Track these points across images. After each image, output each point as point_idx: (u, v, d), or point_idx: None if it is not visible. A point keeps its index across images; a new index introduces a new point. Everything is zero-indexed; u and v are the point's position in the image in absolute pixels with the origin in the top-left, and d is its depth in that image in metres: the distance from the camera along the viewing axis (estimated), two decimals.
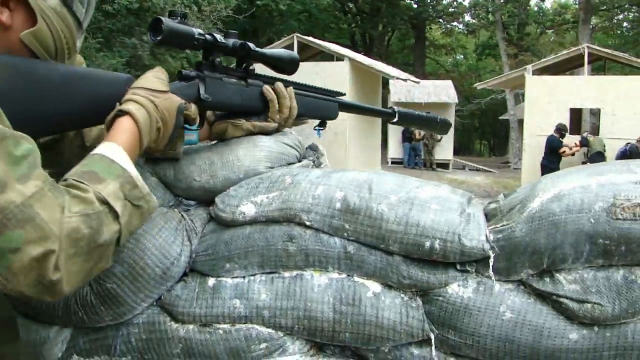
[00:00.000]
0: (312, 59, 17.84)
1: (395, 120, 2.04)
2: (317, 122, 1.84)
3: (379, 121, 16.57)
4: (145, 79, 1.32)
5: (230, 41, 1.52)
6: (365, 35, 36.59)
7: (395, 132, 22.77)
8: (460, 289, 1.35)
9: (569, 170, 1.46)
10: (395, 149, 23.36)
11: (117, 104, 1.26)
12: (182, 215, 1.54)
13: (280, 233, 1.44)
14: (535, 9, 35.30)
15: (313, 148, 1.80)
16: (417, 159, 22.49)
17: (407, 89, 22.19)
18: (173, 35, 1.36)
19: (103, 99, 1.28)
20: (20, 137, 0.99)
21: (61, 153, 1.48)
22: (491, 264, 1.34)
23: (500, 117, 30.52)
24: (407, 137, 22.38)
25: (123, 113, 1.24)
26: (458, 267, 1.36)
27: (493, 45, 35.85)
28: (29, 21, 1.16)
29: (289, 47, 15.13)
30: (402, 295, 1.40)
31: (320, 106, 1.80)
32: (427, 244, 1.35)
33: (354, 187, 1.44)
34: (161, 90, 1.31)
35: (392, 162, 23.21)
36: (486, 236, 1.35)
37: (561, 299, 1.28)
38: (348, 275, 1.42)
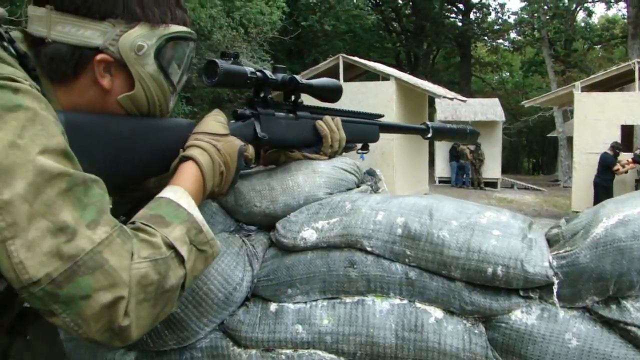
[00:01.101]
0: (357, 78, 17.92)
1: (429, 135, 2.11)
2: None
3: (426, 141, 16.51)
4: (206, 124, 1.35)
5: (280, 76, 1.56)
6: (410, 54, 36.62)
7: (442, 151, 22.65)
8: (523, 316, 1.34)
9: (632, 194, 1.44)
10: (442, 168, 23.21)
11: (181, 150, 1.29)
12: (243, 241, 1.56)
13: (341, 259, 1.45)
14: (582, 24, 34.81)
15: (371, 173, 1.81)
16: (465, 177, 22.30)
17: (453, 107, 22.06)
18: (228, 76, 1.39)
19: (169, 147, 1.31)
20: (92, 182, 1.01)
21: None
22: (555, 290, 1.32)
23: (549, 135, 30.12)
24: (454, 155, 22.22)
25: (187, 159, 1.27)
26: (521, 293, 1.35)
27: (539, 62, 35.44)
28: (127, 85, 1.21)
29: (335, 67, 15.21)
30: (465, 321, 1.39)
31: (363, 131, 1.83)
32: (490, 270, 1.35)
33: (415, 213, 1.44)
34: (222, 133, 1.34)
35: (440, 181, 23.05)
36: (549, 262, 1.34)
37: (629, 327, 1.26)
38: (410, 301, 1.42)
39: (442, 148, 22.34)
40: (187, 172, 1.25)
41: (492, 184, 22.34)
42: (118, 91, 1.21)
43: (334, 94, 1.68)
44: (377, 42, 34.97)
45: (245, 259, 1.52)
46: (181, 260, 1.07)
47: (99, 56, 1.16)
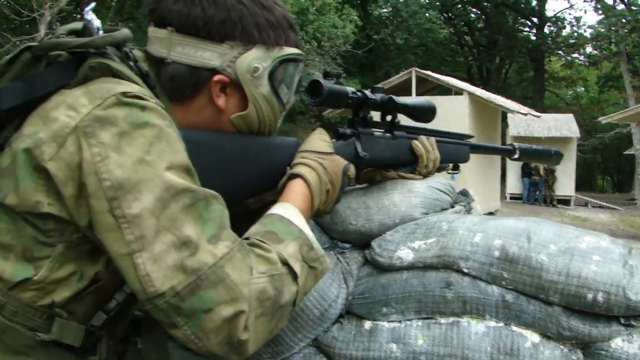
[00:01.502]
0: (429, 92, 17.83)
1: (516, 156, 2.11)
2: None
3: (497, 156, 16.25)
4: (311, 142, 1.38)
5: (378, 96, 1.57)
6: (482, 68, 36.21)
7: (513, 167, 22.25)
8: (624, 344, 1.31)
9: None
10: (514, 184, 22.80)
11: (288, 167, 1.32)
12: (337, 258, 1.58)
13: (437, 279, 1.45)
14: None
15: (464, 193, 1.81)
16: (537, 194, 21.85)
17: (526, 122, 21.66)
18: (331, 96, 1.42)
19: (277, 165, 1.33)
20: (212, 197, 1.04)
21: None
22: None
23: (625, 152, 29.25)
24: (526, 172, 21.83)
25: (295, 176, 1.29)
26: (622, 321, 1.33)
27: (616, 76, 34.47)
28: (240, 105, 1.25)
29: (407, 81, 15.18)
30: (562, 347, 1.37)
31: (455, 151, 1.84)
32: (590, 296, 1.33)
33: (513, 236, 1.44)
34: (328, 152, 1.36)
35: (511, 197, 22.66)
36: None
37: None
38: (506, 324, 1.41)
39: (514, 164, 21.94)
40: (296, 190, 1.27)
41: (565, 202, 21.82)
42: (232, 111, 1.25)
43: (429, 114, 1.69)
44: (448, 55, 34.75)
45: (340, 277, 1.54)
46: (294, 276, 1.09)
47: (217, 77, 1.20)
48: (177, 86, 1.20)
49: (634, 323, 1.32)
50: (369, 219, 1.58)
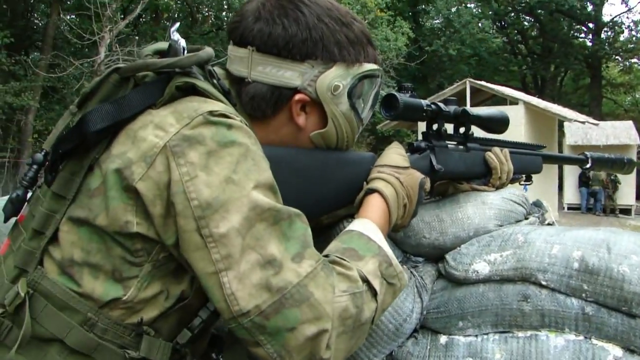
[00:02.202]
0: (484, 103, 17.65)
1: (589, 165, 2.09)
2: None
3: (555, 165, 15.94)
4: (388, 157, 1.38)
5: (452, 108, 1.57)
6: (536, 76, 35.66)
7: (571, 176, 21.78)
8: None
9: None
10: (571, 194, 22.32)
11: (365, 182, 1.32)
12: (411, 272, 1.57)
13: (514, 292, 1.43)
14: None
15: (537, 204, 1.78)
16: (597, 204, 21.34)
17: (583, 131, 21.22)
18: (407, 110, 1.42)
19: (353, 180, 1.34)
20: (295, 216, 1.05)
21: None
22: None
23: None
24: (583, 181, 21.38)
25: (372, 191, 1.29)
26: None
27: None
28: (319, 123, 1.27)
29: (462, 91, 15.06)
30: None
31: (528, 162, 1.82)
32: None
33: (592, 247, 1.41)
34: (404, 166, 1.36)
35: (569, 208, 22.19)
36: None
37: None
38: (586, 338, 1.38)
39: (572, 173, 21.51)
40: (374, 205, 1.27)
41: (625, 211, 21.23)
42: (311, 129, 1.27)
43: (502, 125, 1.68)
44: (502, 65, 34.34)
45: (414, 291, 1.53)
46: (374, 293, 1.09)
47: (298, 96, 1.22)
48: (258, 105, 1.21)
49: None
50: (442, 232, 1.57)
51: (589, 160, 2.07)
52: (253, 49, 1.20)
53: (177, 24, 1.22)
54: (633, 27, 34.36)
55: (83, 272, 1.04)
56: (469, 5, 28.23)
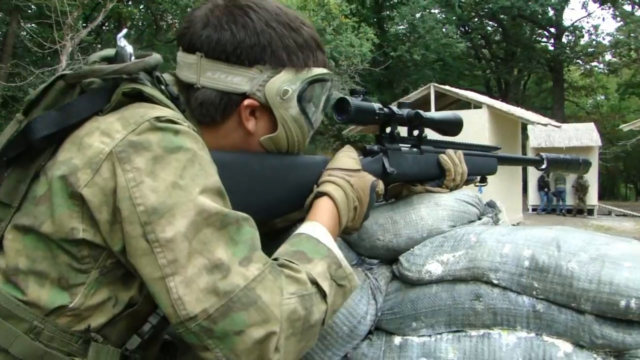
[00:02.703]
0: (448, 107, 17.80)
1: (544, 166, 2.12)
2: None
3: (519, 168, 16.12)
4: (338, 160, 1.38)
5: (405, 111, 1.57)
6: (500, 80, 36.11)
7: (534, 178, 22.12)
8: None
9: None
10: (536, 196, 22.67)
11: (315, 185, 1.33)
12: (366, 274, 1.58)
13: (467, 292, 1.45)
14: None
15: (491, 205, 1.81)
16: (562, 204, 21.71)
17: (546, 133, 21.54)
18: (359, 113, 1.42)
19: (304, 183, 1.34)
20: (243, 220, 1.05)
21: None
22: None
23: None
24: (541, 185, 21.82)
25: (322, 194, 1.30)
26: None
27: (637, 83, 34.20)
28: (269, 127, 1.27)
29: (426, 96, 15.19)
30: (595, 355, 1.35)
31: (483, 163, 1.83)
32: (622, 302, 1.31)
33: (542, 245, 1.43)
34: (355, 169, 1.36)
35: (533, 209, 22.51)
36: None
37: None
38: (537, 334, 1.40)
39: (535, 176, 21.84)
40: (323, 208, 1.27)
41: (588, 211, 21.59)
42: (261, 133, 1.27)
43: (456, 127, 1.69)
44: (466, 69, 34.74)
45: (369, 292, 1.53)
46: (323, 295, 1.09)
47: (247, 101, 1.22)
48: (207, 111, 1.21)
49: None
50: (396, 234, 1.58)
51: (545, 161, 2.10)
52: (202, 55, 1.20)
53: (125, 31, 1.22)
54: (593, 32, 35.08)
55: (28, 280, 1.03)
56: (433, 10, 28.46)
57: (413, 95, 15.82)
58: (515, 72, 36.05)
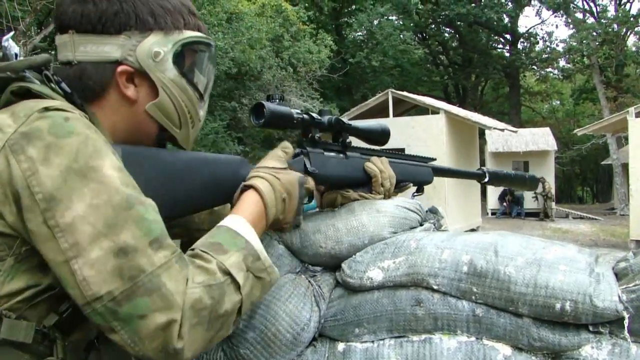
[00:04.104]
0: (407, 113, 17.97)
1: (486, 180, 2.13)
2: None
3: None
4: (265, 160, 1.42)
5: (326, 118, 1.61)
6: (458, 86, 36.58)
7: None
8: (594, 351, 1.32)
9: None
10: (495, 200, 22.99)
11: (242, 182, 1.35)
12: (309, 282, 1.59)
13: (408, 297, 1.46)
14: (634, 49, 34.07)
15: (433, 211, 1.83)
16: (520, 209, 22.07)
17: (504, 138, 21.88)
18: (275, 117, 1.45)
19: (221, 180, 1.37)
20: (149, 205, 1.07)
21: None
22: (626, 325, 1.31)
23: (603, 162, 29.58)
24: (502, 197, 22.31)
25: (248, 187, 1.33)
26: (591, 328, 1.34)
27: (590, 89, 34.87)
28: (152, 94, 1.28)
29: (384, 102, 15.27)
30: (534, 358, 1.38)
31: (415, 172, 1.87)
32: (558, 305, 1.34)
33: (480, 250, 1.45)
34: (281, 167, 1.40)
35: (492, 213, 22.81)
36: (619, 296, 1.32)
37: None
38: (477, 339, 1.42)
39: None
40: (248, 200, 1.31)
41: (545, 214, 21.96)
42: (145, 100, 1.28)
43: (381, 136, 1.74)
44: (424, 75, 35.08)
45: (312, 300, 1.54)
46: (237, 286, 1.12)
47: (120, 68, 1.23)
48: (86, 84, 1.23)
49: (601, 330, 1.33)
50: (338, 241, 1.59)
51: (486, 175, 2.12)
52: (72, 32, 1.22)
53: (12, 33, 1.25)
54: (547, 38, 35.67)
55: None
56: (390, 17, 28.64)
57: (371, 102, 15.90)
58: (472, 78, 36.56)
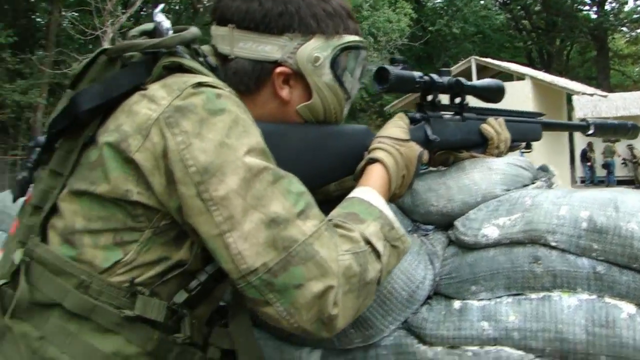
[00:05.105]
0: None
1: (591, 131, 2.09)
2: None
3: (565, 139, 15.87)
4: (388, 129, 1.39)
5: (446, 79, 1.57)
6: (542, 51, 35.51)
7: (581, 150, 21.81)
8: None
9: None
10: (583, 169, 22.35)
11: (365, 153, 1.34)
12: (421, 240, 1.59)
13: (525, 255, 1.44)
14: None
15: (544, 169, 1.79)
16: (611, 176, 21.37)
17: (593, 104, 21.12)
18: (399, 82, 1.43)
19: (347, 152, 1.36)
20: (292, 177, 1.09)
21: None
22: None
23: None
24: (585, 158, 21.61)
25: (373, 161, 1.31)
26: None
27: None
28: (304, 96, 1.28)
29: (467, 70, 15.02)
30: None
31: (526, 129, 1.83)
32: None
33: (599, 206, 1.41)
34: (404, 139, 1.37)
35: (581, 181, 22.17)
36: None
37: None
38: (598, 296, 1.38)
39: (582, 147, 21.50)
40: (375, 174, 1.29)
41: (629, 182, 21.12)
42: (296, 102, 1.29)
43: (497, 94, 1.69)
44: (507, 42, 34.23)
45: (425, 258, 1.54)
46: (377, 255, 1.12)
47: (279, 69, 1.24)
48: (242, 80, 1.24)
49: None
50: (450, 199, 1.58)
51: (591, 127, 2.07)
52: (233, 27, 1.23)
53: (161, 6, 1.27)
54: None
55: (83, 239, 1.08)
56: None
57: (454, 69, 15.64)
58: (557, 43, 35.42)
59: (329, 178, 1.40)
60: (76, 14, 15.99)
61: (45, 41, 15.41)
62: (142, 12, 19.29)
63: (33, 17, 17.93)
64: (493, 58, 18.53)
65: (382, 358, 1.52)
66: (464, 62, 15.87)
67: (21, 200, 1.27)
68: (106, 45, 11.90)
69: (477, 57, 15.76)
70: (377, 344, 1.52)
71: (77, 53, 13.58)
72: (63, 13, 15.67)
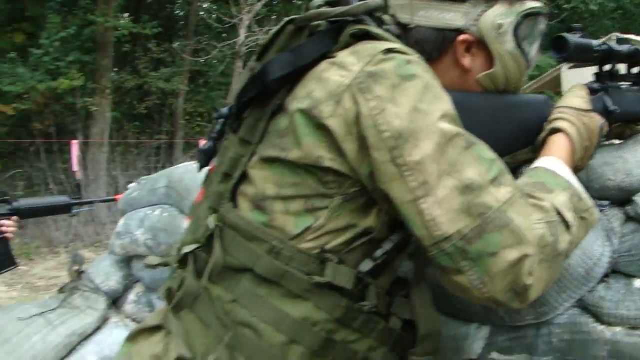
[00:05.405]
0: None
1: None
2: None
3: None
4: (569, 99, 1.34)
5: (625, 47, 1.48)
6: None
7: None
8: None
9: None
10: None
11: (545, 123, 1.30)
12: None
13: None
14: None
15: None
16: None
17: None
18: (578, 50, 1.38)
19: (527, 122, 1.32)
20: (484, 144, 1.06)
21: None
22: None
23: None
24: None
25: (556, 131, 1.27)
26: None
27: None
28: (486, 64, 1.25)
29: None
30: None
31: None
32: None
33: None
34: (586, 109, 1.32)
35: None
36: None
37: None
38: None
39: None
40: (559, 144, 1.24)
41: None
42: (478, 70, 1.25)
43: None
44: None
45: (603, 234, 1.48)
46: (567, 226, 1.07)
47: (462, 37, 1.22)
48: (423, 49, 1.22)
49: None
50: (628, 173, 1.50)
51: None
52: None
53: None
54: None
55: (275, 205, 1.10)
56: None
57: None
58: None
59: (510, 149, 1.36)
60: (212, 6, 16.57)
61: (185, 31, 16.05)
62: (273, 1, 19.70)
63: (173, 9, 18.69)
64: (637, 35, 17.49)
65: (555, 337, 1.48)
66: (605, 39, 14.99)
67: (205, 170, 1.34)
68: (242, 32, 12.27)
69: (619, 34, 14.88)
70: (550, 322, 1.48)
71: (215, 41, 14.09)
72: (200, 4, 16.24)
